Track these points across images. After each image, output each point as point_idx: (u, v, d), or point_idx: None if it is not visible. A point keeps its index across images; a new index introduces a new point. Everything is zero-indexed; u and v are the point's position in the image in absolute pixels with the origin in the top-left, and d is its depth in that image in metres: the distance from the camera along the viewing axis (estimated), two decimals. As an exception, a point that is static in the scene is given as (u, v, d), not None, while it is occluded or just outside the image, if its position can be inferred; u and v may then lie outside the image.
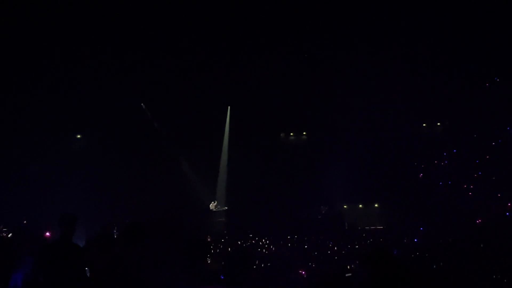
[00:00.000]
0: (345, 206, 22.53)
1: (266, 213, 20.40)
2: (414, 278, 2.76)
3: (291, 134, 24.49)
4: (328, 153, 20.88)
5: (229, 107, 23.34)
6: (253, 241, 18.88)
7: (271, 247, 18.28)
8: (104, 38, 17.33)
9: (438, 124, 23.09)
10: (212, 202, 21.86)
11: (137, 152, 20.80)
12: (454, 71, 18.69)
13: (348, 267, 15.26)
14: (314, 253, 17.14)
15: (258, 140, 22.19)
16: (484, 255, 14.11)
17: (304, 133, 24.37)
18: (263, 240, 18.98)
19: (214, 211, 21.67)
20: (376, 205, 22.79)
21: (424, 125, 23.05)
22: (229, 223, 21.12)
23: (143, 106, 22.11)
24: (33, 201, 16.48)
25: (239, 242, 18.35)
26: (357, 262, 15.54)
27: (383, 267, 2.75)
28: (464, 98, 19.41)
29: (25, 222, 13.57)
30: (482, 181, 19.69)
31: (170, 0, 16.72)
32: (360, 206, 22.86)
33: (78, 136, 22.17)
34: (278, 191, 21.38)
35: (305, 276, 14.68)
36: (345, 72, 19.55)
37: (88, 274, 6.02)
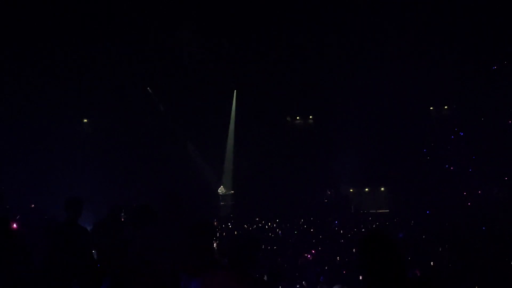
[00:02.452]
0: (351, 190, 22.56)
1: (272, 197, 20.46)
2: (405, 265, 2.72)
3: (297, 117, 24.44)
4: (335, 137, 20.84)
5: (235, 91, 23.28)
6: (260, 225, 18.97)
7: (278, 230, 18.36)
8: (111, 22, 17.27)
9: (446, 107, 22.95)
10: (222, 187, 21.97)
11: (144, 136, 20.83)
12: (461, 54, 18.51)
13: (354, 250, 15.33)
14: (320, 236, 17.21)
15: (264, 124, 22.16)
16: (489, 239, 14.12)
17: (311, 116, 24.31)
18: (270, 223, 19.06)
19: (221, 194, 21.76)
20: (382, 188, 22.80)
21: (431, 108, 22.93)
22: (235, 206, 21.20)
23: (149, 90, 22.09)
24: (40, 185, 16.58)
25: (245, 226, 18.44)
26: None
27: (377, 252, 2.71)
28: (472, 81, 19.25)
29: (32, 206, 13.64)
30: (489, 165, 19.62)
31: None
32: (366, 189, 22.88)
33: (85, 120, 22.20)
34: (284, 174, 21.39)
35: (311, 259, 14.75)
36: (351, 55, 19.43)
37: (95, 257, 6.07)
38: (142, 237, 5.05)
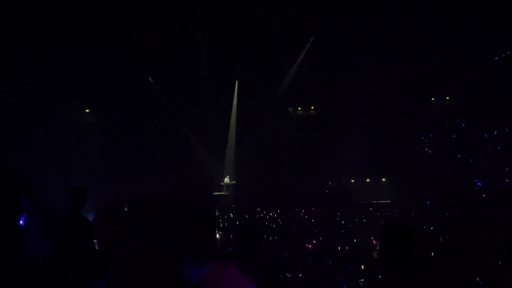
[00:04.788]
0: (352, 180, 22.55)
1: (273, 187, 20.51)
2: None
3: (299, 108, 24.41)
4: (336, 128, 20.83)
5: (236, 81, 23.24)
6: (261, 215, 19.01)
7: (279, 221, 18.39)
8: (112, 12, 17.22)
9: (448, 98, 22.89)
10: (227, 176, 22.04)
11: (145, 126, 20.84)
12: (464, 44, 18.43)
13: (355, 240, 15.39)
14: (321, 227, 17.26)
15: (266, 114, 22.16)
16: (492, 229, 14.15)
17: (312, 107, 24.28)
18: (271, 213, 19.09)
19: (222, 185, 21.82)
20: (383, 179, 22.80)
21: (433, 99, 22.86)
22: (237, 197, 21.23)
23: (151, 81, 22.07)
24: (43, 175, 16.62)
25: (246, 216, 18.48)
26: (363, 236, 15.70)
27: (400, 243, 2.72)
28: (475, 72, 19.18)
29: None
30: (491, 155, 19.60)
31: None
32: (368, 180, 22.88)
33: (87, 110, 22.20)
34: (285, 165, 21.42)
35: (312, 249, 14.81)
36: (354, 45, 19.38)
37: (96, 247, 6.08)
38: (144, 227, 5.07)
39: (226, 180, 21.89)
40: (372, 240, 15.08)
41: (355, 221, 17.67)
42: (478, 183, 19.55)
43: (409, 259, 2.63)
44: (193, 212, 4.58)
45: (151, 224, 5.08)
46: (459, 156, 19.99)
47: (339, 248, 14.71)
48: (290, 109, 24.39)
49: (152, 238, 4.89)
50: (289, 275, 10.09)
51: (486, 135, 20.08)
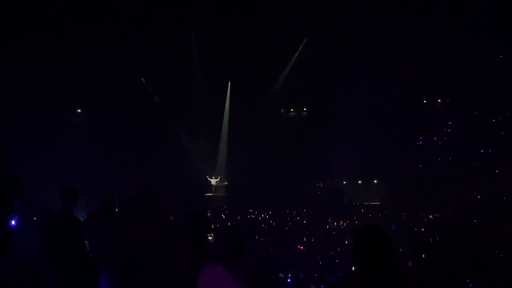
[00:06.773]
0: (344, 182, 22.61)
1: (266, 188, 20.51)
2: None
3: (292, 110, 24.43)
4: (329, 129, 20.87)
5: (229, 82, 23.22)
6: (253, 216, 19.03)
7: (271, 222, 18.42)
8: (105, 12, 17.18)
9: (439, 100, 23.01)
10: (214, 177, 21.95)
11: (138, 126, 20.76)
12: (455, 48, 18.53)
13: (346, 241, 15.43)
14: (314, 228, 17.31)
15: (258, 115, 22.16)
16: (482, 231, 14.24)
17: (305, 109, 24.31)
18: (263, 215, 19.11)
19: (215, 186, 21.78)
20: (375, 181, 22.87)
21: (424, 101, 22.97)
22: (229, 198, 21.21)
23: (143, 81, 22.00)
24: (34, 175, 16.52)
25: (238, 217, 18.49)
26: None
27: (373, 244, 2.74)
28: (466, 75, 19.29)
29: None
30: (482, 157, 19.72)
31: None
32: (360, 182, 22.94)
33: (78, 110, 22.09)
34: (278, 166, 21.42)
35: (303, 250, 14.83)
36: (346, 47, 19.42)
37: (88, 247, 6.06)
38: (135, 229, 5.06)
39: (213, 181, 21.83)
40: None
41: (346, 223, 17.73)
42: (470, 186, 19.67)
43: (380, 261, 2.65)
44: (185, 213, 4.56)
45: (140, 225, 5.08)
46: (450, 158, 20.11)
47: (330, 249, 14.74)
48: (282, 110, 24.41)
49: (142, 239, 4.89)
50: (281, 275, 10.12)
51: (477, 138, 20.19)
